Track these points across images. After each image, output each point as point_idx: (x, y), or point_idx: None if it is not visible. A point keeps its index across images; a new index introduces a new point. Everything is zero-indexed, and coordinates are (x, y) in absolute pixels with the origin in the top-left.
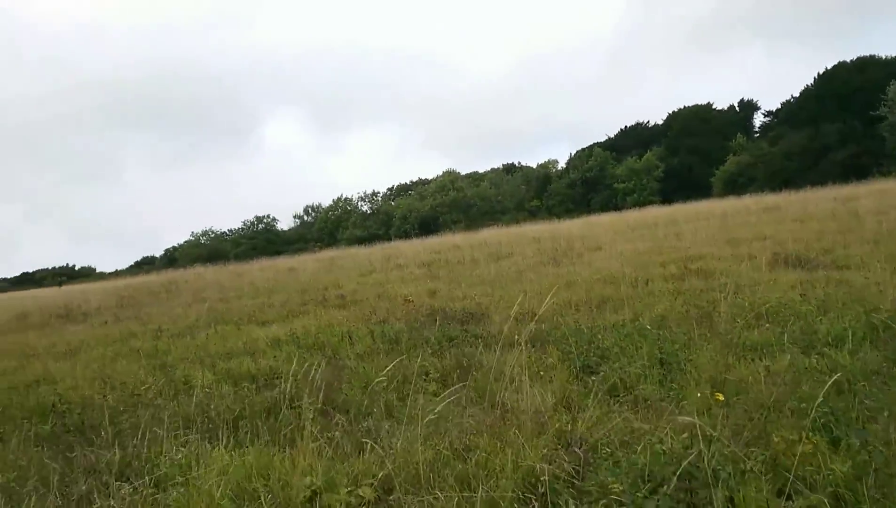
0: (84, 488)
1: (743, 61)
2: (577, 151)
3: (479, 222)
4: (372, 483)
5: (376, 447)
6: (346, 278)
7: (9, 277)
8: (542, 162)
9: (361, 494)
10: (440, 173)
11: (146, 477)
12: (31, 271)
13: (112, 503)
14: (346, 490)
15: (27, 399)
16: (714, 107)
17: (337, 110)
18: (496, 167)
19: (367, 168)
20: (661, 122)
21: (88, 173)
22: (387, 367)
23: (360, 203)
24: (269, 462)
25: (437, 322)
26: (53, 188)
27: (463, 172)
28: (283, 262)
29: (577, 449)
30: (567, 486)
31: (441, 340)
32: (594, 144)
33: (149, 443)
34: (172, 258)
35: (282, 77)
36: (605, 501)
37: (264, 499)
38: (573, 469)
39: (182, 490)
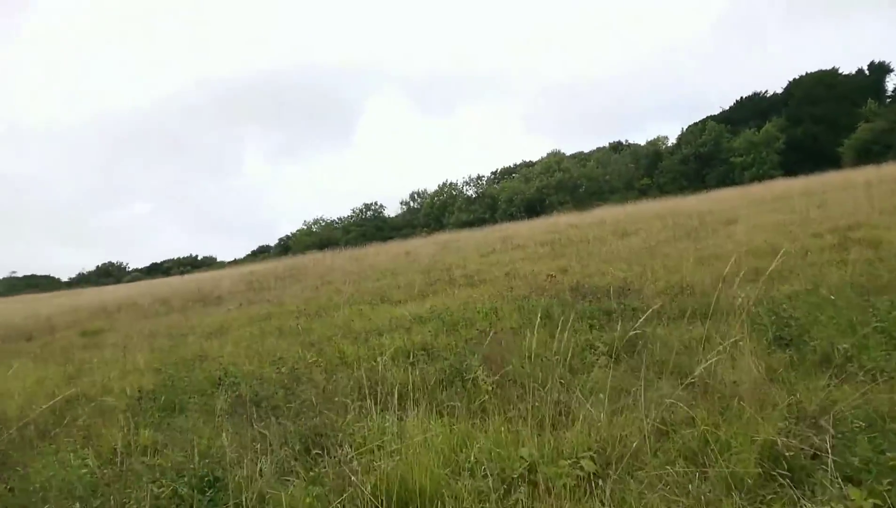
0: (283, 456)
1: (868, 22)
2: (689, 126)
3: (586, 202)
4: (590, 456)
5: (573, 420)
6: (466, 260)
7: (140, 267)
8: (651, 139)
9: (584, 466)
10: (545, 155)
11: (346, 447)
12: (159, 261)
13: (328, 469)
14: (568, 462)
15: (193, 374)
16: (840, 72)
17: (442, 97)
18: (602, 146)
19: (471, 152)
20: (780, 91)
21: (208, 168)
22: (546, 341)
23: (464, 187)
24: (468, 432)
25: (587, 297)
26: (177, 184)
27: (568, 153)
28: (397, 246)
29: (822, 422)
30: (816, 462)
31: (598, 313)
32: (707, 117)
33: (324, 413)
34: (286, 247)
35: (389, 66)
36: (890, 479)
37: (477, 470)
38: (819, 443)
39: (396, 459)
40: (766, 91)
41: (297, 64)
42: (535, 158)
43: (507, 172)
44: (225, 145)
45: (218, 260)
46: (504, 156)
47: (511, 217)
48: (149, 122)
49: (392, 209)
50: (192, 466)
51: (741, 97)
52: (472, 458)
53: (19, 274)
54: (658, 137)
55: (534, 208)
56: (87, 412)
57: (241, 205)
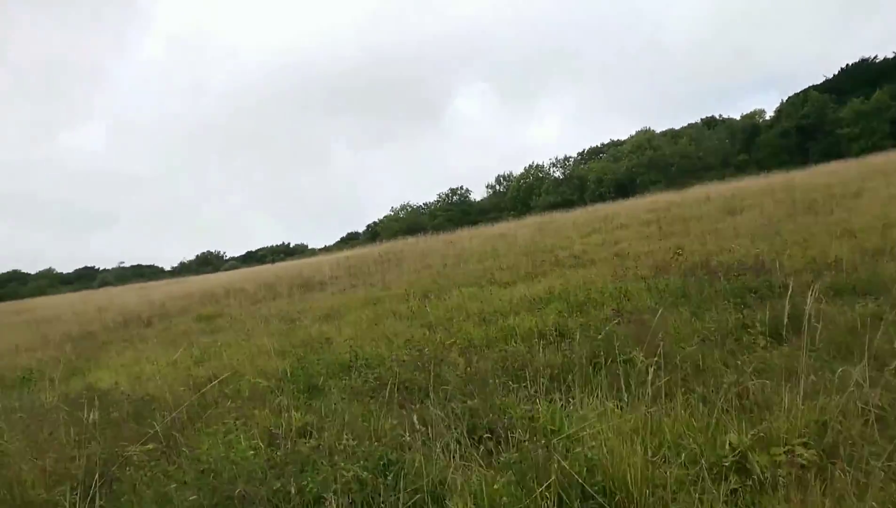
0: (450, 439)
1: None
2: (789, 97)
3: (679, 181)
4: (804, 443)
5: (756, 404)
6: (566, 240)
7: (236, 256)
8: (747, 113)
9: (803, 455)
10: (633, 133)
11: (520, 432)
12: (253, 249)
13: (515, 454)
14: (783, 450)
15: (323, 357)
16: None
17: (526, 79)
18: (694, 122)
19: (557, 134)
20: (891, 55)
21: (298, 158)
22: (689, 320)
23: (551, 169)
24: (649, 417)
25: (721, 275)
26: (269, 174)
27: (658, 130)
28: (488, 229)
29: None
30: None
31: (742, 291)
32: (809, 87)
33: (480, 396)
34: (375, 233)
35: (471, 51)
36: None
37: (674, 457)
38: None
39: (592, 444)
40: (875, 57)
41: (383, 51)
42: (623, 137)
43: (594, 153)
44: (313, 135)
45: (309, 247)
46: (591, 136)
47: (601, 198)
48: (241, 115)
49: (478, 193)
50: (363, 449)
51: (847, 64)
52: (666, 444)
53: (127, 264)
54: (754, 111)
55: (624, 188)
56: (228, 394)
57: (330, 193)
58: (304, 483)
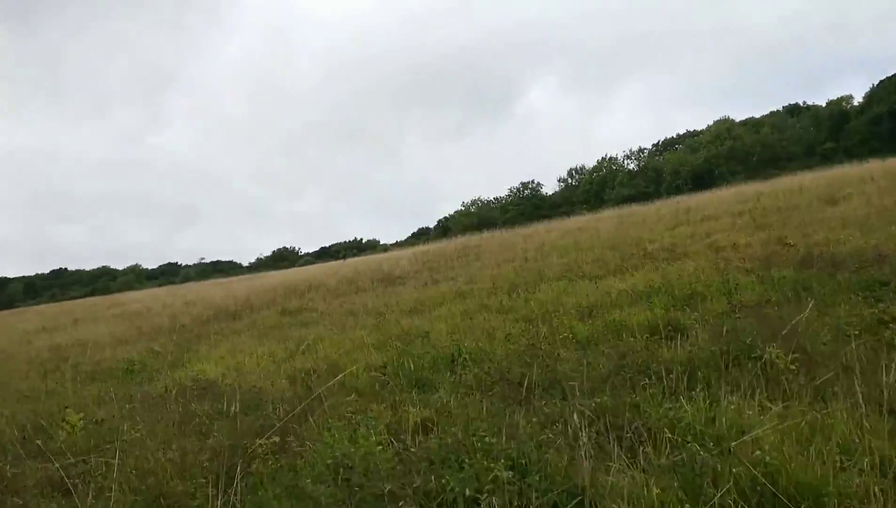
0: (587, 439)
1: None
2: (881, 81)
3: (761, 171)
4: None
5: None
6: (652, 233)
7: (310, 251)
8: (833, 99)
9: None
10: (711, 123)
11: (665, 432)
12: (327, 245)
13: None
14: None
15: (422, 350)
16: None
17: (598, 72)
18: (776, 110)
19: (631, 125)
20: None
21: (369, 155)
22: (815, 315)
23: (625, 162)
24: (812, 418)
25: (842, 267)
26: (342, 171)
27: (738, 119)
28: (565, 223)
29: None
30: None
31: (871, 284)
32: None
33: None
34: (446, 228)
35: (543, 43)
36: None
37: (856, 464)
38: None
39: (767, 448)
40: None
41: (453, 44)
42: (700, 127)
43: (669, 144)
44: (384, 131)
45: (381, 243)
46: (666, 127)
47: (677, 190)
48: (314, 113)
49: (549, 187)
50: (499, 447)
51: None
52: (840, 449)
53: (207, 260)
54: (841, 97)
55: (702, 180)
56: (335, 388)
57: (401, 189)
58: (445, 480)
